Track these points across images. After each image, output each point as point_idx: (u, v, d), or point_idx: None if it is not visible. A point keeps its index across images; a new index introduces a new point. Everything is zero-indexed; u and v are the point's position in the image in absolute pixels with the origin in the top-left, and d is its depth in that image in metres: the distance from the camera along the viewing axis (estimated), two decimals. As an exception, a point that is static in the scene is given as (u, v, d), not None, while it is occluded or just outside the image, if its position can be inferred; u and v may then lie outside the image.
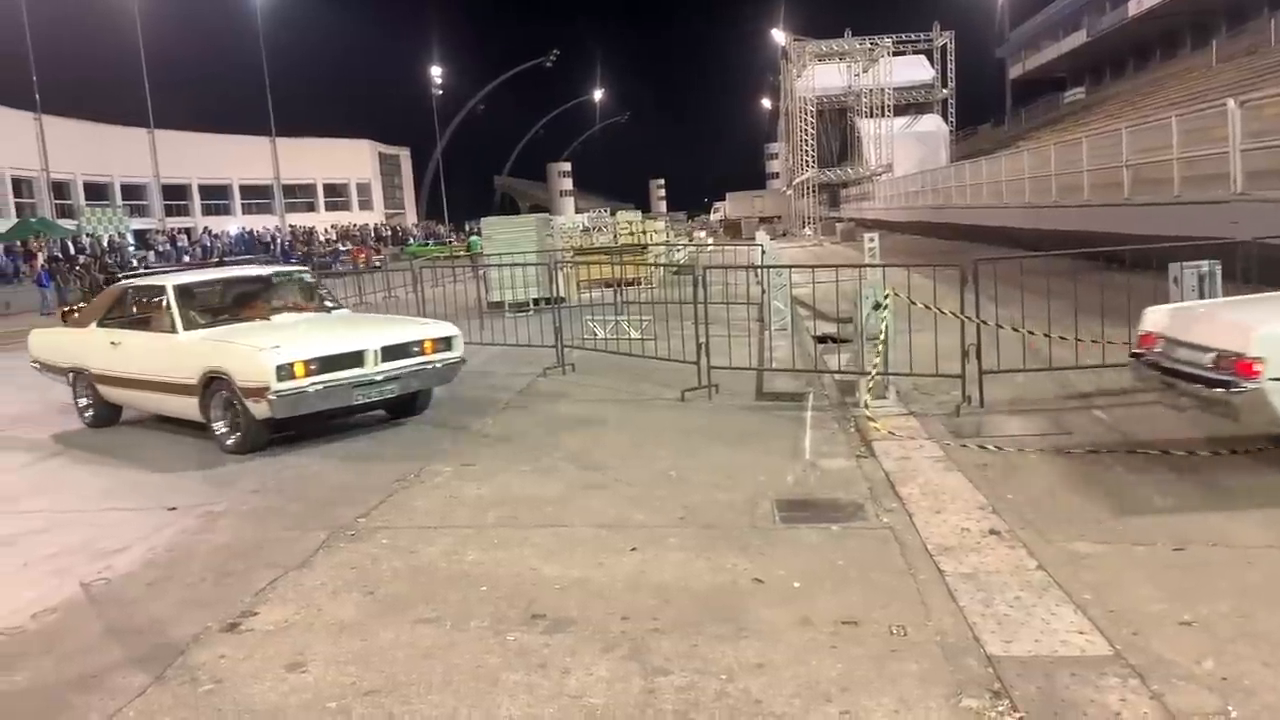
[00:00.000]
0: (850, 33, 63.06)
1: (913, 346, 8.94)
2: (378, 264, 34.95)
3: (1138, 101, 41.75)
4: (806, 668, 3.94)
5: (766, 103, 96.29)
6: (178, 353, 8.88)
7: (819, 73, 63.64)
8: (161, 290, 9.44)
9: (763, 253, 19.07)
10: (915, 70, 65.54)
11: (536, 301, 17.07)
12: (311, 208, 73.96)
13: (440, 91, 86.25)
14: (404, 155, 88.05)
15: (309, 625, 4.70)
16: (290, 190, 71.01)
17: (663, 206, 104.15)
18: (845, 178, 64.03)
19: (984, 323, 8.41)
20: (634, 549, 5.46)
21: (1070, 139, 22.84)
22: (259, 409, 8.18)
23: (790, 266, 14.71)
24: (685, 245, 34.61)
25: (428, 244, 59.65)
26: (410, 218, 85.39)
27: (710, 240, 45.93)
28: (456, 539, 5.84)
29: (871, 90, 62.41)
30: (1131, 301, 7.71)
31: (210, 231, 57.62)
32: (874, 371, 8.36)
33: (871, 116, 62.08)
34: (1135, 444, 6.83)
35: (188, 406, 8.84)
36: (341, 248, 53.99)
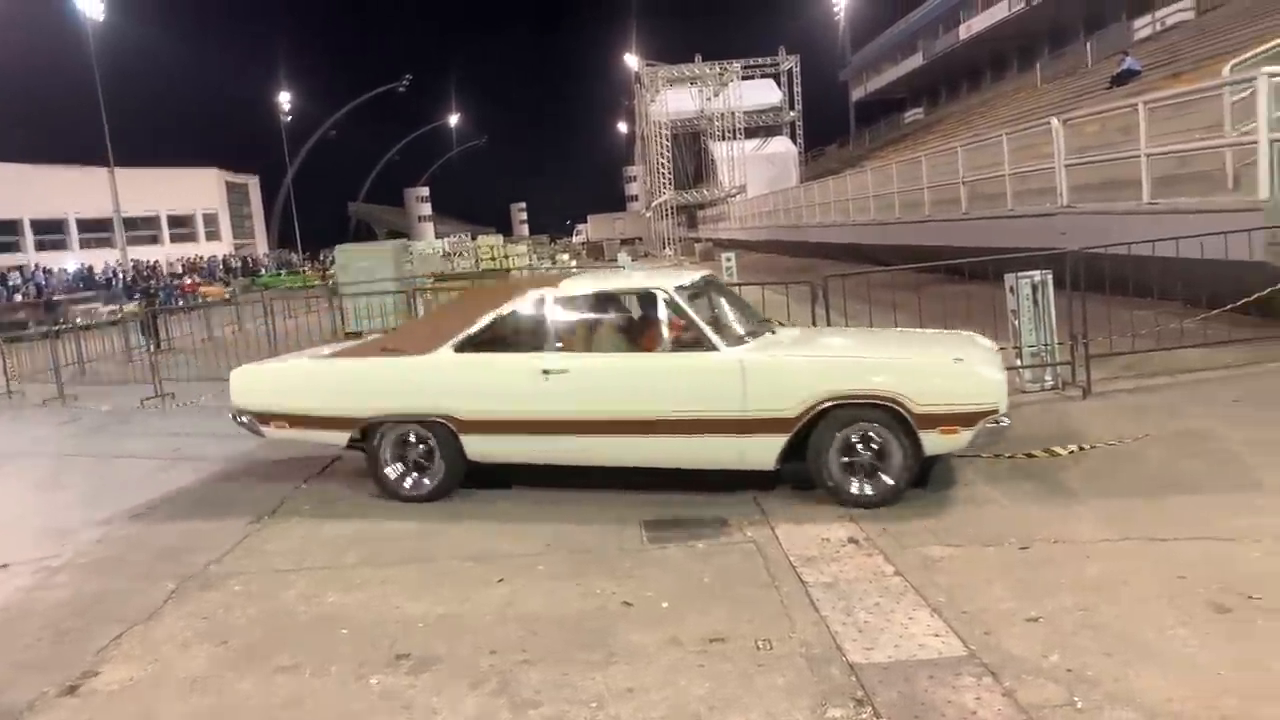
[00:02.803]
0: (700, 58, 64.47)
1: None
2: (227, 297, 33.63)
3: (972, 120, 43.98)
4: (676, 689, 3.95)
5: (623, 126, 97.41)
6: (723, 375, 6.35)
7: (671, 97, 64.79)
8: (651, 297, 6.87)
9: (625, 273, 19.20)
10: (764, 94, 67.53)
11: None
12: (155, 240, 70.70)
13: (289, 117, 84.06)
14: (253, 183, 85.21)
15: (157, 682, 4.45)
16: (132, 223, 67.63)
17: (525, 230, 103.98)
18: (701, 199, 65.22)
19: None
20: (501, 580, 5.39)
21: (910, 158, 23.86)
22: (941, 442, 6.08)
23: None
24: (548, 268, 34.59)
25: (280, 274, 57.75)
26: (261, 247, 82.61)
27: (573, 262, 46.03)
28: (315, 581, 5.64)
29: (723, 114, 63.87)
30: (970, 311, 8.09)
31: (44, 268, 54.36)
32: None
33: (724, 139, 63.49)
34: (980, 447, 7.14)
35: (732, 450, 6.41)
36: (178, 281, 51.55)
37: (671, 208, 64.34)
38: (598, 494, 6.93)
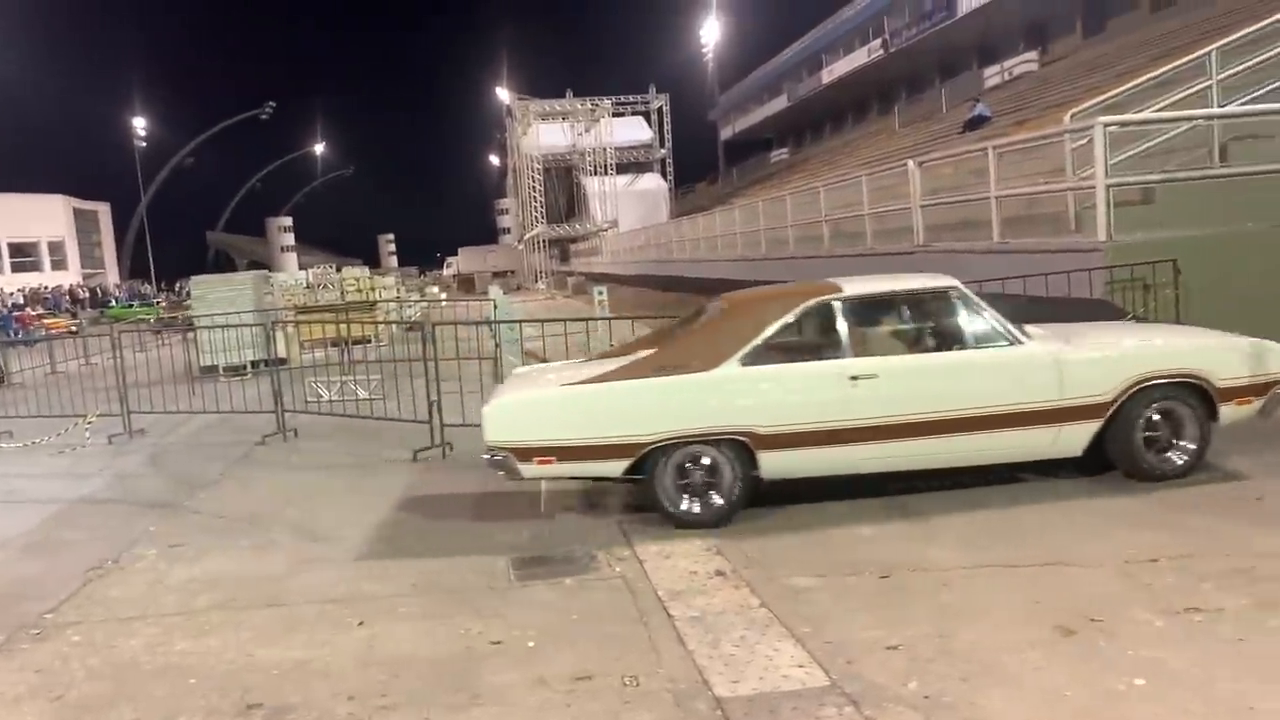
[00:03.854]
0: (571, 93, 65.04)
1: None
2: (74, 329, 31.86)
3: (835, 161, 45.51)
4: (542, 730, 3.88)
5: (495, 159, 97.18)
6: (1038, 368, 6.51)
7: (543, 131, 65.15)
8: (943, 294, 6.82)
9: (495, 307, 19.05)
10: (635, 131, 68.59)
11: (255, 364, 16.15)
12: (-6, 268, 66.66)
13: (144, 143, 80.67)
14: (103, 211, 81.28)
15: (-20, 745, 4.12)
16: (-34, 250, 63.71)
17: (394, 262, 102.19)
18: (573, 233, 65.52)
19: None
20: (362, 623, 5.21)
21: (776, 196, 24.49)
22: (1236, 412, 6.66)
23: (522, 321, 14.78)
24: (417, 301, 34.03)
25: (131, 305, 54.83)
26: (112, 277, 78.77)
27: (443, 295, 45.47)
28: (162, 629, 5.33)
29: (594, 149, 64.48)
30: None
31: None
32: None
33: (596, 174, 64.07)
34: (848, 479, 7.30)
35: (1047, 438, 6.55)
36: (18, 312, 48.50)
37: (544, 241, 64.39)
38: (464, 530, 6.81)
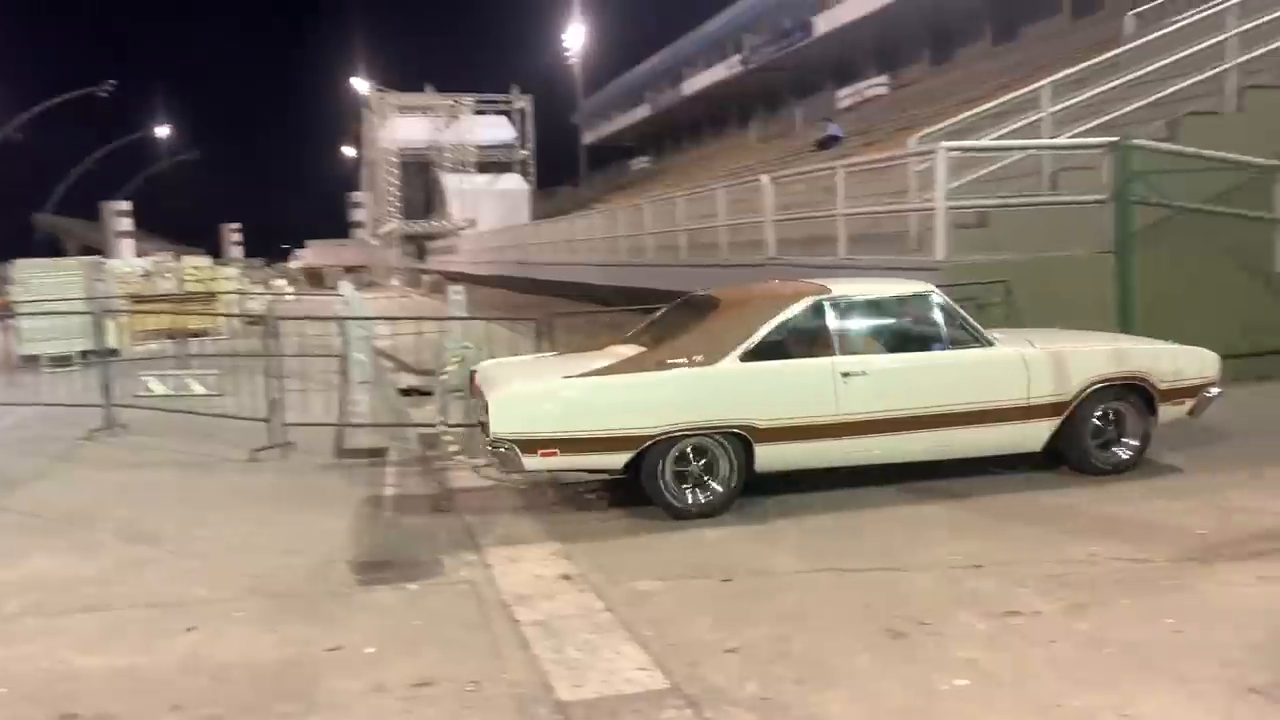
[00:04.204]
0: (432, 88, 63.98)
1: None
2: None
3: (693, 172, 46.30)
4: (379, 737, 3.79)
5: (350, 151, 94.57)
6: (1009, 367, 7.03)
7: (402, 125, 63.84)
8: (924, 298, 7.23)
9: (345, 303, 18.52)
10: (497, 130, 67.94)
11: (83, 355, 15.24)
12: None
13: (-36, 114, 74.98)
14: (-87, 185, 75.30)
15: None
16: None
17: (239, 252, 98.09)
18: (431, 230, 64.45)
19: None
20: (191, 628, 4.98)
21: (635, 204, 24.73)
22: (1172, 412, 7.42)
23: (373, 318, 14.42)
24: (261, 294, 32.81)
25: None
26: (-80, 257, 72.98)
27: (290, 289, 43.98)
28: (-34, 635, 4.97)
29: (455, 146, 63.61)
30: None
31: None
32: (455, 423, 8.38)
33: (455, 171, 63.20)
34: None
35: (1015, 435, 7.11)
36: None
37: (399, 237, 63.09)
38: (303, 532, 6.60)
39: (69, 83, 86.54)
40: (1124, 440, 7.31)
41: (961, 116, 13.45)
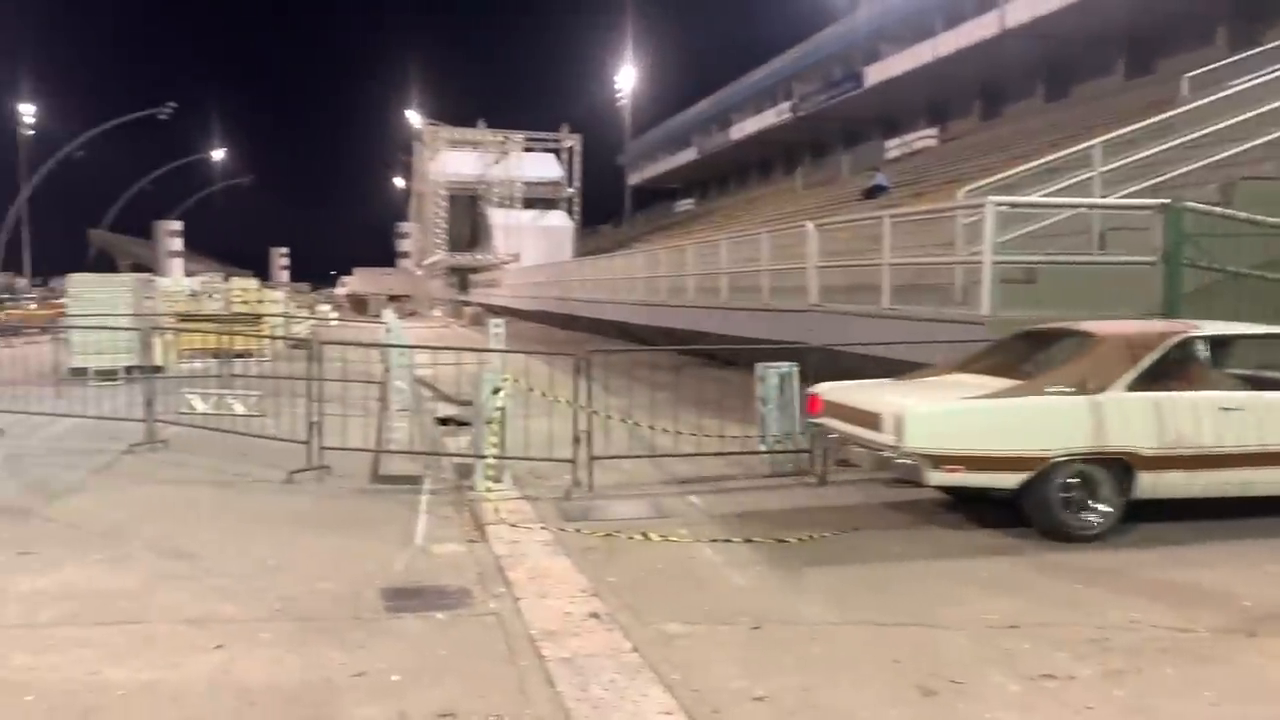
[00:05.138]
0: (484, 123, 64.90)
1: (529, 431, 9.13)
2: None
3: (738, 216, 46.45)
4: (399, 767, 3.77)
5: (400, 182, 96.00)
6: None
7: (452, 158, 64.72)
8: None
9: (387, 331, 18.72)
10: (545, 167, 68.69)
11: (129, 370, 15.51)
12: None
13: (31, 131, 77.14)
14: (-23, 200, 77.31)
15: None
16: None
17: (286, 276, 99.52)
18: (475, 263, 65.05)
19: (595, 412, 8.78)
20: (219, 646, 5.00)
21: (678, 245, 24.82)
22: None
23: (415, 346, 14.54)
24: (306, 318, 33.23)
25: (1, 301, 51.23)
26: (-18, 267, 74.79)
27: (334, 315, 44.51)
28: (1, 641, 5.02)
29: (502, 181, 64.34)
30: (724, 396, 8.42)
31: None
32: (490, 455, 8.40)
33: (502, 206, 63.87)
34: (724, 528, 7.38)
35: None
36: None
37: (443, 268, 63.73)
38: (335, 556, 6.62)
39: (131, 104, 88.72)
40: None
41: (1011, 172, 13.42)
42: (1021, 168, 13.40)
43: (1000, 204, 10.38)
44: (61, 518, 7.74)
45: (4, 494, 8.51)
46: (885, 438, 7.04)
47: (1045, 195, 11.91)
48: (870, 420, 7.25)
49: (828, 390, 8.20)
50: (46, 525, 7.52)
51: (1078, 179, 12.03)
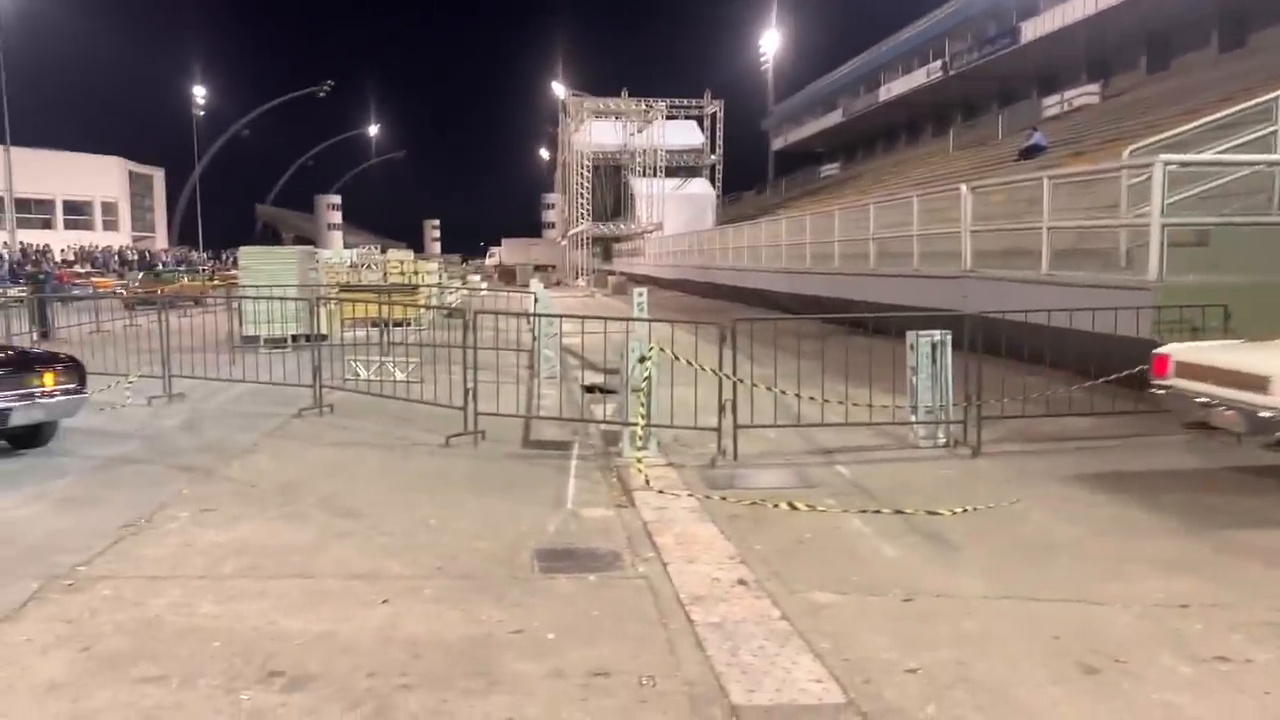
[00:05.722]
0: (626, 93, 65.10)
1: (674, 399, 9.20)
2: (120, 290, 32.31)
3: (885, 179, 45.28)
4: (557, 721, 3.90)
5: (545, 153, 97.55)
6: None
7: (596, 129, 65.23)
8: None
9: (535, 300, 19.14)
10: (687, 135, 68.47)
11: (296, 338, 16.36)
12: (48, 225, 67.90)
13: (202, 112, 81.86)
14: (158, 176, 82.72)
15: (10, 686, 4.21)
16: (24, 205, 64.73)
17: (437, 248, 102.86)
18: (618, 233, 65.61)
19: (740, 380, 8.77)
20: (386, 601, 5.26)
21: (824, 210, 24.40)
22: None
23: (562, 316, 14.83)
24: (458, 288, 34.26)
25: (178, 271, 53.93)
26: (160, 241, 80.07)
27: (484, 285, 45.72)
28: (189, 590, 5.43)
29: (645, 150, 64.51)
30: (872, 365, 8.27)
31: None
32: (638, 423, 8.52)
33: (644, 175, 64.11)
34: (872, 499, 7.28)
35: None
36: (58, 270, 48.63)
37: (588, 238, 64.53)
38: (491, 518, 6.85)
39: (292, 84, 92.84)
40: None
41: (1180, 130, 12.62)
42: (1194, 123, 12.59)
43: (1171, 162, 9.80)
44: (239, 477, 8.26)
45: (187, 454, 9.13)
46: (1276, 399, 6.82)
47: (1221, 152, 11.17)
48: (1255, 383, 7.04)
49: (1183, 351, 8.02)
50: (225, 484, 8.04)
51: (1257, 134, 11.23)
